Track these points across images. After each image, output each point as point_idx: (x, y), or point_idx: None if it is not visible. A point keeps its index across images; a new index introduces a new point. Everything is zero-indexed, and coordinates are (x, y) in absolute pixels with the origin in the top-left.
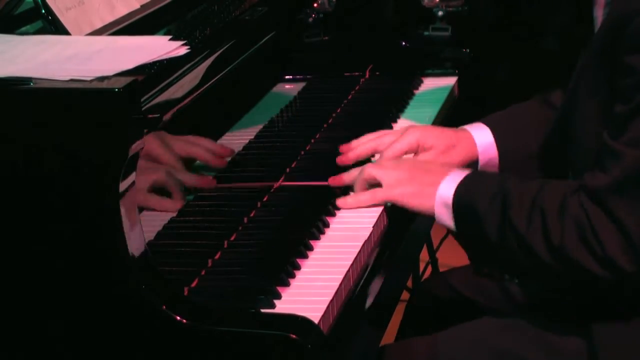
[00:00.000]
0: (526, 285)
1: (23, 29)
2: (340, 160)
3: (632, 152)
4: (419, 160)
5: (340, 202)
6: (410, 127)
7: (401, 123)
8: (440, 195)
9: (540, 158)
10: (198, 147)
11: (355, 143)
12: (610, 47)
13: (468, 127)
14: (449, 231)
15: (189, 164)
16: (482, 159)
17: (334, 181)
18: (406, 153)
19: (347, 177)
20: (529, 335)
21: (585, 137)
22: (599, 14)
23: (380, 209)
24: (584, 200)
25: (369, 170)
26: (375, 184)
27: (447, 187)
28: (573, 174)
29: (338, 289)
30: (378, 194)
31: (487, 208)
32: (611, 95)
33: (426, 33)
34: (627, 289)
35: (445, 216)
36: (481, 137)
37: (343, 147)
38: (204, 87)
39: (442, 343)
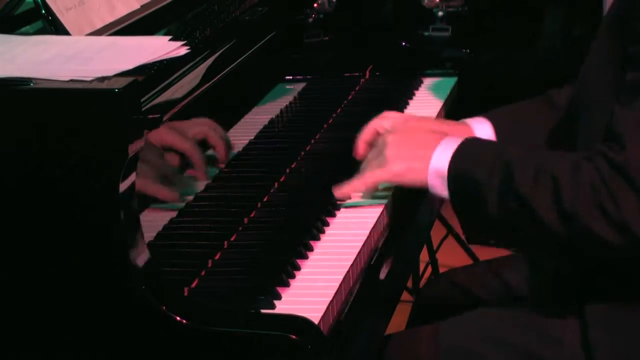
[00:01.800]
0: (531, 265)
1: (23, 29)
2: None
3: None
4: (409, 130)
5: (336, 192)
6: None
7: None
8: (433, 166)
9: None
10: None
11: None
12: (623, 16)
13: (469, 120)
14: (448, 231)
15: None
16: None
17: (340, 194)
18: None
19: (350, 188)
20: (529, 324)
21: (598, 111)
22: None
23: (380, 208)
24: (601, 165)
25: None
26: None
27: (441, 158)
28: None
29: (338, 289)
30: (369, 177)
31: (487, 175)
32: (623, 67)
33: (426, 33)
34: (630, 262)
35: (439, 187)
36: (481, 131)
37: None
38: (204, 87)
39: (444, 332)
